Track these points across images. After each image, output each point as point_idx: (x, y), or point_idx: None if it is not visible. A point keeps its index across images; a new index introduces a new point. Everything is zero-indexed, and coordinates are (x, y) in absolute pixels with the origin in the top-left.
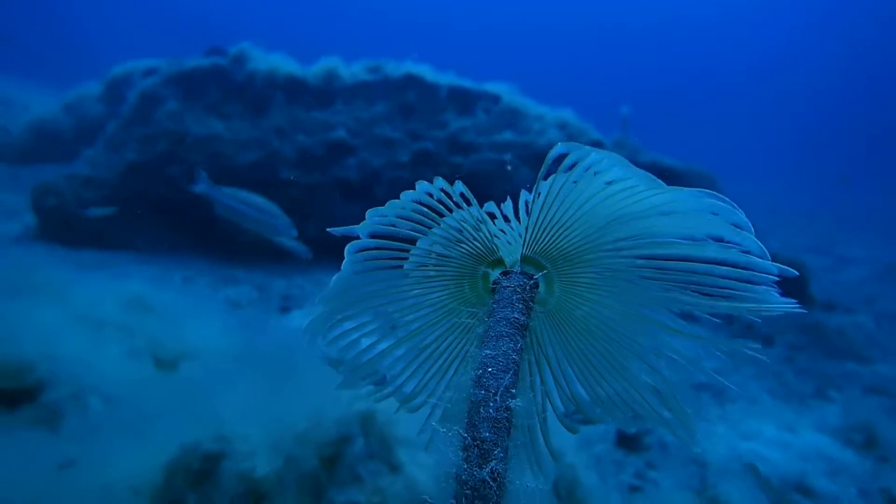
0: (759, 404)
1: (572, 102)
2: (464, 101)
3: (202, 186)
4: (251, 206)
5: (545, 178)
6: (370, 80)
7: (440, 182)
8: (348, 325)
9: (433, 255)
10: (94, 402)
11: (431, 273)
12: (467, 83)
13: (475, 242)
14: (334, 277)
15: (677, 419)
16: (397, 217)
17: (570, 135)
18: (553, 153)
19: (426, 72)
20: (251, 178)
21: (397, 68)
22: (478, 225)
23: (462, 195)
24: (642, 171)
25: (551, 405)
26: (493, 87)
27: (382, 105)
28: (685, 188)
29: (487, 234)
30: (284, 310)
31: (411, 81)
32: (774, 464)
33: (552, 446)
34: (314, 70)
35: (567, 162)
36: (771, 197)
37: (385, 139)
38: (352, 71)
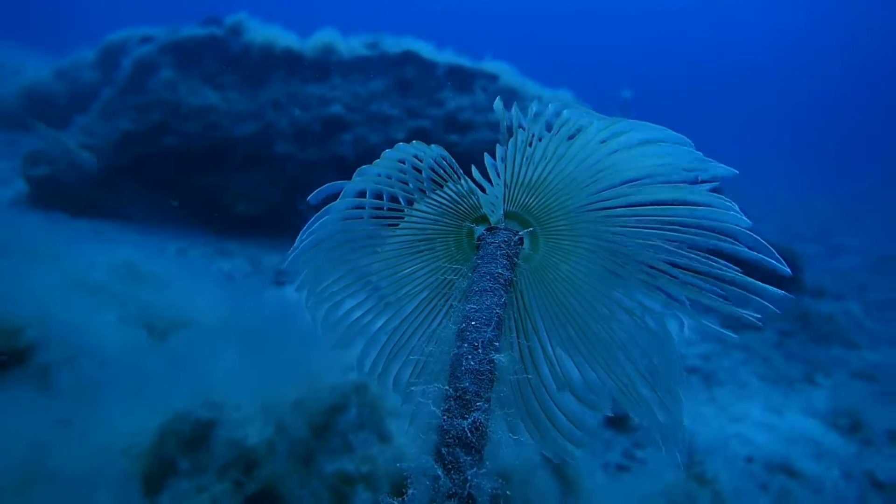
0: (748, 388)
1: (574, 86)
2: (462, 79)
3: None
4: None
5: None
6: (368, 56)
7: (419, 145)
8: (335, 287)
9: (417, 214)
10: (87, 366)
11: (416, 231)
12: (465, 61)
13: (457, 199)
14: (307, 238)
15: (665, 402)
16: (381, 176)
17: None
18: (497, 107)
19: (424, 49)
20: (247, 152)
21: (396, 44)
22: (459, 182)
23: (443, 158)
24: (581, 107)
25: (538, 375)
26: (491, 66)
27: (380, 81)
28: (635, 122)
29: (468, 191)
30: (278, 284)
31: (409, 58)
32: (760, 445)
33: (550, 407)
34: (311, 43)
35: (514, 117)
36: (768, 185)
37: (382, 116)
38: (350, 45)
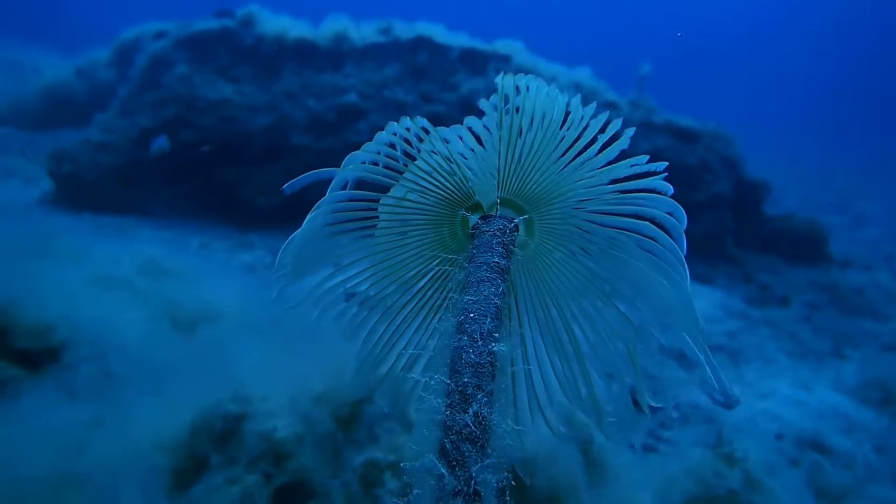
0: (776, 364)
1: (594, 62)
2: (475, 61)
3: None
4: None
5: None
6: (381, 42)
7: (406, 121)
8: (330, 282)
9: (409, 204)
10: (116, 363)
11: (409, 221)
12: (478, 43)
13: (449, 186)
14: (298, 233)
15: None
16: (369, 163)
17: (584, 96)
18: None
19: (437, 33)
20: (263, 144)
21: (408, 29)
22: (450, 168)
23: (424, 129)
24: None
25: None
26: (504, 46)
27: (393, 67)
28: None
29: (462, 178)
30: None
31: (422, 43)
32: (790, 422)
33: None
34: (324, 32)
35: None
36: (791, 153)
37: (397, 102)
38: (362, 33)
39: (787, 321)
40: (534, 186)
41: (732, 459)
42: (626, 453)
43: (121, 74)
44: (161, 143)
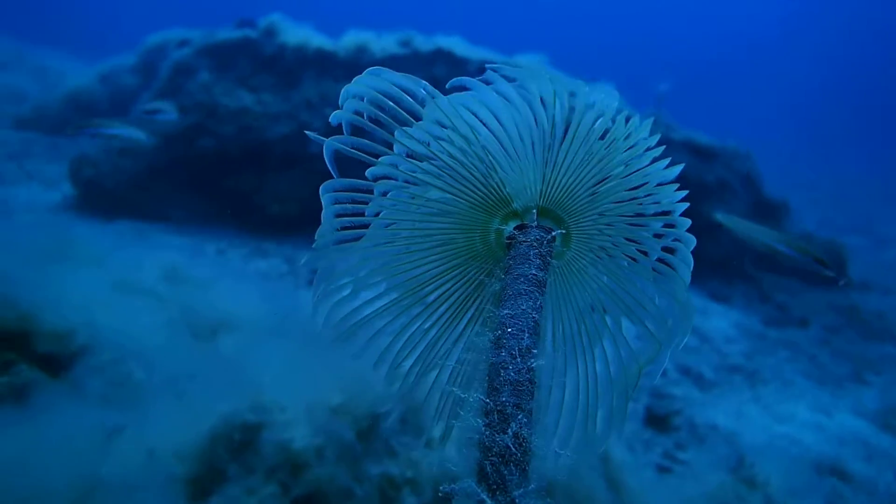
0: (794, 387)
1: (614, 77)
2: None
3: None
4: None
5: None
6: (400, 54)
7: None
8: (347, 280)
9: (435, 203)
10: (136, 369)
11: (436, 225)
12: (497, 57)
13: (484, 190)
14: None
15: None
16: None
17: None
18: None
19: (456, 46)
20: (281, 152)
21: (427, 42)
22: (488, 172)
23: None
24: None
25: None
26: (522, 60)
27: None
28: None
29: (498, 182)
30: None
31: (441, 55)
32: (809, 446)
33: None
34: (344, 43)
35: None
36: (810, 173)
37: None
38: (382, 45)
39: (805, 343)
40: (576, 200)
41: (753, 483)
42: (643, 473)
43: (144, 81)
44: (168, 115)
